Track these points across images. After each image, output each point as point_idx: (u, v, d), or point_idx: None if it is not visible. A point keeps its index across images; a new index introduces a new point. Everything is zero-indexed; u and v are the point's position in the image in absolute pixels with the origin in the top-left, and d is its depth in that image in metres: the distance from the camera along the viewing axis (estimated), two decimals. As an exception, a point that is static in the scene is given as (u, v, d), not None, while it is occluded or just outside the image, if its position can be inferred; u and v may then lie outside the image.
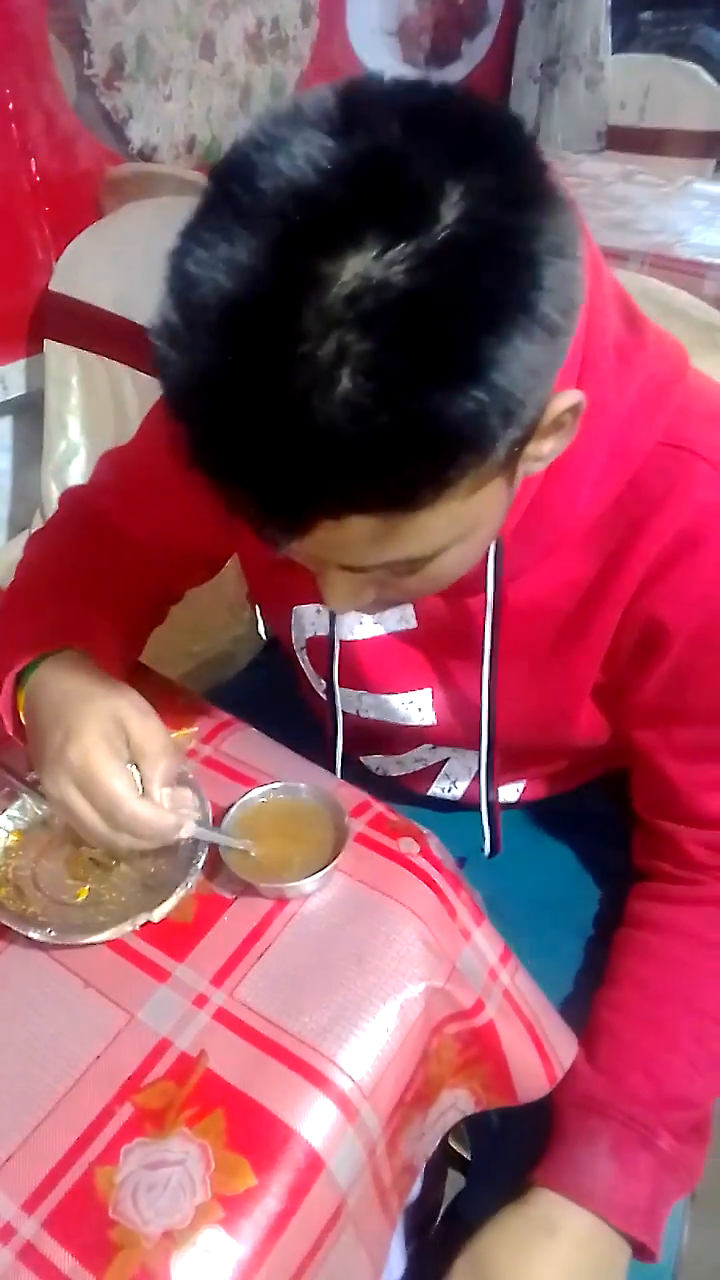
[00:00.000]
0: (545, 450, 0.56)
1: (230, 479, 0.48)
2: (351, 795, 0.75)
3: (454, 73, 2.38)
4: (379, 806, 0.74)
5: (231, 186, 0.45)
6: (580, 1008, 0.77)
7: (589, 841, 0.93)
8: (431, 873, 0.69)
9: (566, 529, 0.65)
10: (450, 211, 0.43)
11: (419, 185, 0.43)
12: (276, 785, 0.74)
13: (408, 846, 0.71)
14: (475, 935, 0.68)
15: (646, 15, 3.14)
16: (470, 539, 0.56)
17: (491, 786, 0.80)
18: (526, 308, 0.45)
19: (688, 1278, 0.81)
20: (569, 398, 0.54)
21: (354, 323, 0.42)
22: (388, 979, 0.63)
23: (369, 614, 0.75)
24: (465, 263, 0.43)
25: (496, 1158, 0.80)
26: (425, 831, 0.73)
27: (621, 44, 2.71)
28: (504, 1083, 0.68)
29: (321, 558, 0.55)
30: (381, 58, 2.17)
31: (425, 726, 0.82)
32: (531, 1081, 0.69)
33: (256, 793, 0.73)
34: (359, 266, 0.42)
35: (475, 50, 2.41)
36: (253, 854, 0.69)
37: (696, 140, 2.46)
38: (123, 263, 1.51)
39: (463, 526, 0.54)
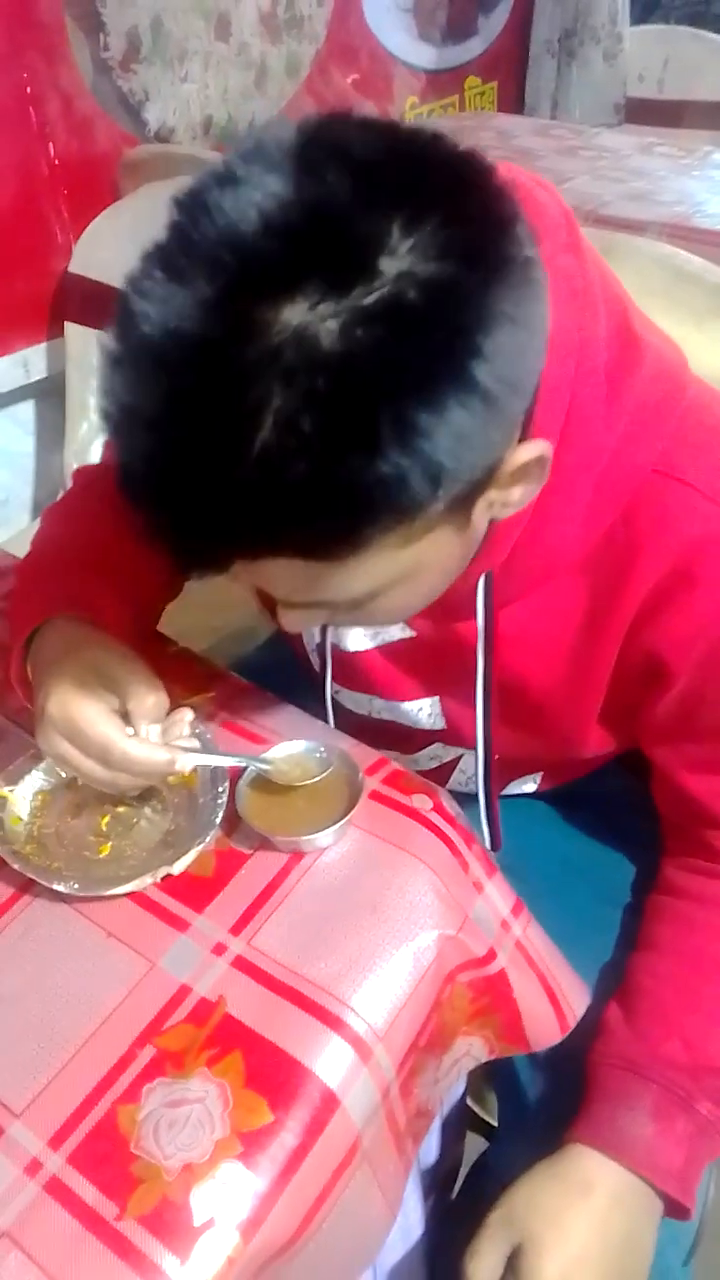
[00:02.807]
0: (514, 497, 0.56)
1: (150, 509, 0.48)
2: (366, 754, 0.76)
3: (471, 48, 2.37)
4: (393, 765, 0.76)
5: (185, 224, 0.46)
6: (617, 972, 0.77)
7: (611, 812, 0.93)
8: (444, 827, 0.70)
9: (557, 559, 0.65)
10: (392, 268, 0.43)
11: (361, 240, 0.43)
12: (292, 744, 0.75)
13: (421, 802, 0.72)
14: (488, 887, 0.70)
15: (668, -15, 3.11)
16: (414, 581, 0.56)
17: (491, 801, 0.80)
18: (460, 376, 0.45)
19: (709, 1239, 0.82)
20: (531, 449, 0.53)
21: (280, 375, 0.43)
22: (401, 927, 0.64)
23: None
24: (399, 325, 0.43)
25: (526, 1118, 0.81)
26: (439, 789, 0.74)
27: (643, 15, 2.69)
28: (516, 1031, 0.70)
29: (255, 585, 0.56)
30: (398, 35, 2.16)
31: (436, 730, 0.83)
32: (544, 1030, 0.70)
33: (272, 752, 0.74)
34: (293, 319, 0.42)
35: (492, 25, 2.40)
36: (261, 766, 0.71)
37: (717, 111, 2.43)
38: (141, 243, 1.51)
39: (398, 572, 0.54)
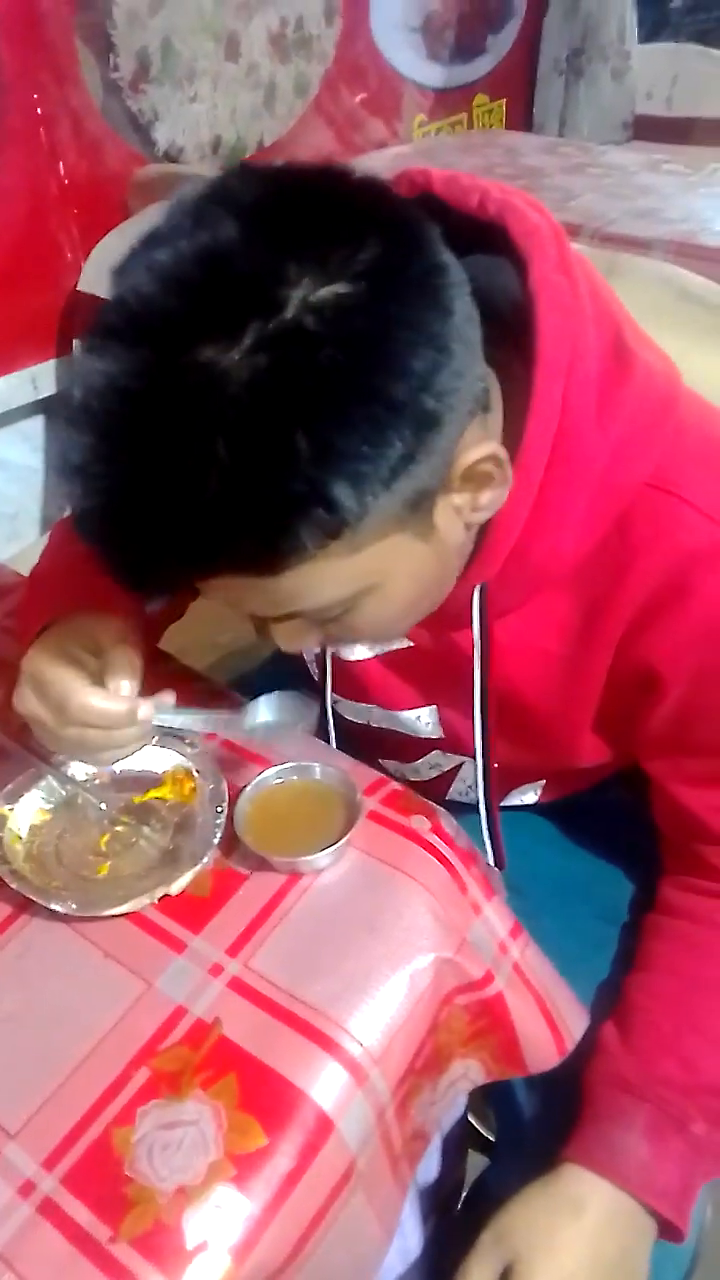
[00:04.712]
0: (483, 502, 0.58)
1: (98, 546, 0.52)
2: (365, 774, 0.76)
3: (479, 67, 2.39)
4: (393, 785, 0.76)
5: (115, 289, 0.50)
6: (614, 991, 0.77)
7: (611, 829, 0.93)
8: (442, 848, 0.70)
9: (551, 570, 0.66)
10: (288, 296, 0.47)
11: (251, 278, 0.47)
12: (291, 765, 0.75)
13: (419, 823, 0.72)
14: (486, 909, 0.69)
15: (677, 3, 3.12)
16: (382, 591, 0.58)
17: (492, 812, 0.81)
18: (364, 391, 0.48)
19: (707, 1261, 0.81)
20: (479, 450, 0.55)
21: (192, 411, 0.46)
22: (398, 949, 0.64)
23: (329, 646, 0.76)
24: (294, 348, 0.46)
25: (522, 1136, 0.81)
26: (438, 809, 0.74)
27: (652, 33, 2.70)
28: (514, 1053, 0.69)
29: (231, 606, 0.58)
30: (406, 54, 2.18)
31: (433, 739, 0.83)
32: (541, 1053, 0.70)
33: (271, 772, 0.75)
34: (203, 359, 0.46)
35: (500, 44, 2.41)
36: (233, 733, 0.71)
37: (725, 128, 2.44)
38: (149, 262, 1.54)
39: (360, 581, 0.56)
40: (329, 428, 0.47)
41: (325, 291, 0.47)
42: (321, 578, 0.53)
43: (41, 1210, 0.55)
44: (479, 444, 0.56)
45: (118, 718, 0.66)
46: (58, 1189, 0.55)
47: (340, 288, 0.47)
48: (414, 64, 2.21)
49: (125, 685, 0.67)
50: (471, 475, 0.56)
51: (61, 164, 1.59)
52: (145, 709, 0.66)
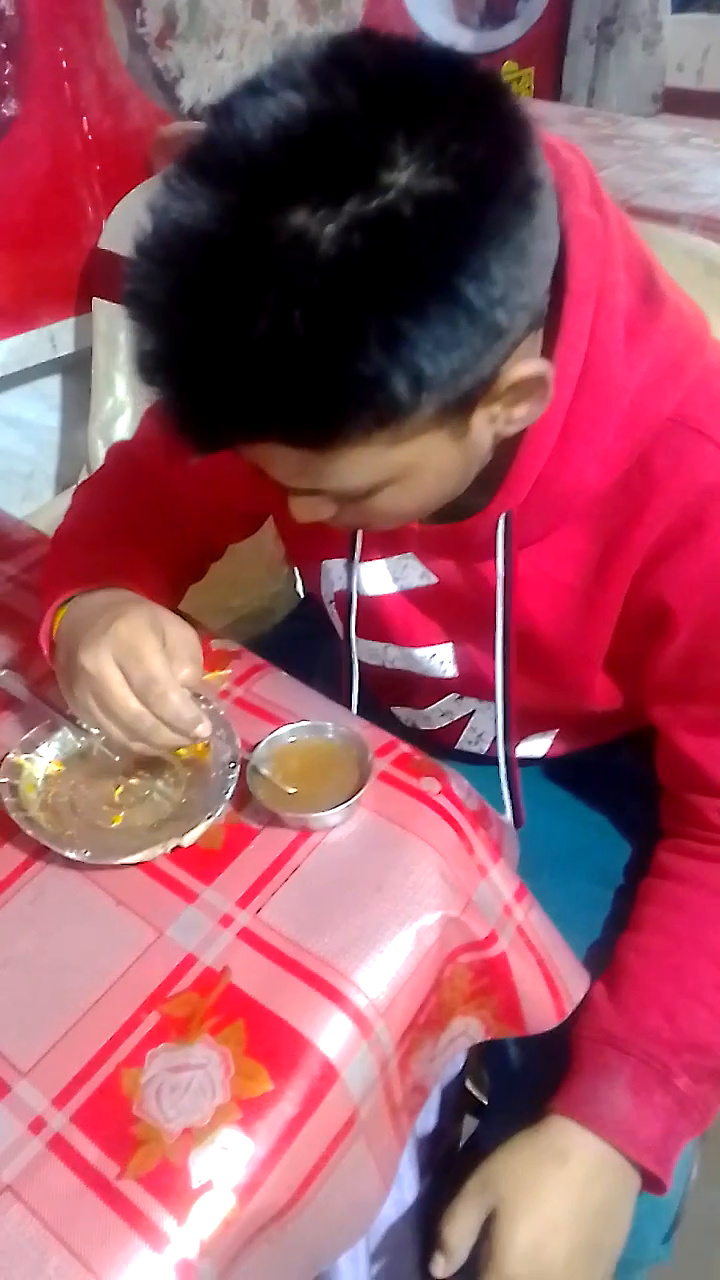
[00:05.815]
0: (518, 414, 0.59)
1: (155, 386, 0.52)
2: (377, 735, 0.77)
3: (509, 33, 2.35)
4: (403, 747, 0.76)
5: (211, 130, 0.49)
6: (605, 952, 0.78)
7: (616, 794, 0.94)
8: (451, 810, 0.71)
9: (573, 502, 0.66)
10: (391, 181, 0.46)
11: (361, 152, 0.46)
12: (304, 724, 0.76)
13: (429, 785, 0.73)
14: (492, 871, 0.70)
15: (711, -26, 3.06)
16: (407, 483, 0.58)
17: (511, 758, 0.81)
18: (444, 290, 0.47)
19: (690, 1219, 0.82)
20: (529, 366, 0.55)
21: (277, 273, 0.46)
22: (405, 906, 0.65)
23: (337, 526, 0.74)
24: (390, 237, 0.46)
25: (514, 1094, 0.83)
26: (448, 771, 0.75)
27: (683, 4, 2.65)
28: (514, 1013, 0.71)
29: (262, 469, 0.59)
30: (435, 18, 2.15)
31: (448, 678, 0.84)
32: (541, 1013, 0.71)
33: (284, 730, 0.75)
34: (294, 222, 0.46)
35: (531, 10, 2.37)
36: (288, 790, 0.72)
37: (756, 104, 2.40)
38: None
39: (391, 470, 0.56)
40: (405, 320, 0.47)
41: (430, 183, 0.46)
42: (358, 463, 0.54)
43: (51, 1146, 0.56)
44: (529, 360, 0.56)
45: (185, 724, 0.67)
46: (68, 1126, 0.57)
47: (445, 182, 0.46)
48: (442, 28, 2.18)
49: (188, 672, 0.68)
50: (516, 388, 0.56)
51: (85, 120, 1.58)
52: (205, 728, 0.67)
